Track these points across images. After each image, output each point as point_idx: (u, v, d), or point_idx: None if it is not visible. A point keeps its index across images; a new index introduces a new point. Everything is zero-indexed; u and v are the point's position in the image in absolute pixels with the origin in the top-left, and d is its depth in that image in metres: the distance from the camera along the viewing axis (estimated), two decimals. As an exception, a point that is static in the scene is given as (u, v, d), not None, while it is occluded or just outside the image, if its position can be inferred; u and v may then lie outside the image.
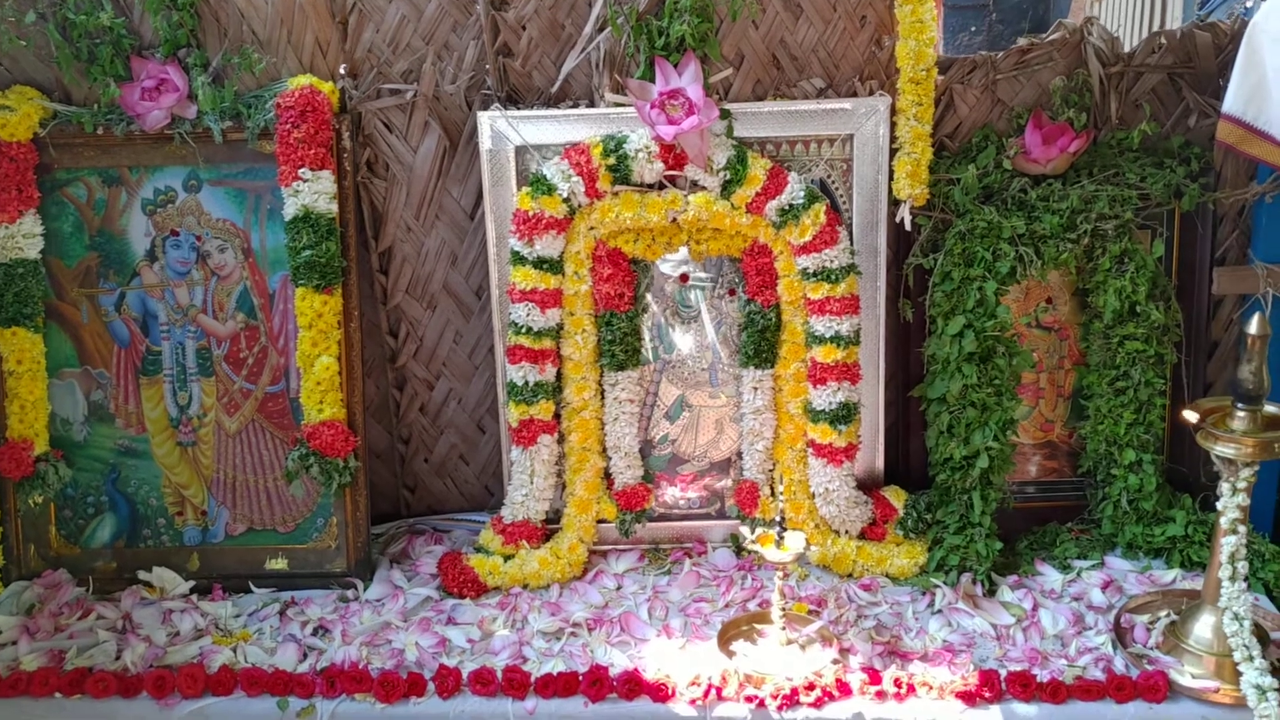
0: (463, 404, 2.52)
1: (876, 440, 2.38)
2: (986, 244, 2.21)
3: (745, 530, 2.03)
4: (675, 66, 2.13)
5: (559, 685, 1.98)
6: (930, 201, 2.26)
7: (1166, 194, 2.23)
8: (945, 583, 2.23)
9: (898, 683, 1.94)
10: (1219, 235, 2.32)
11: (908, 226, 2.22)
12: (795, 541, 2.00)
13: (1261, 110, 2.00)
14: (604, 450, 2.35)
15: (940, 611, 2.17)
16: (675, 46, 2.13)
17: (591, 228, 2.22)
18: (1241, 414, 1.88)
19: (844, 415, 2.25)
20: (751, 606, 2.21)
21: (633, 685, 1.96)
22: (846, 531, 2.33)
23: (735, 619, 2.13)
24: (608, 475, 2.37)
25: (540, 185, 2.18)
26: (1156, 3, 5.77)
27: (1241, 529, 1.90)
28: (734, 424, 2.39)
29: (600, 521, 2.38)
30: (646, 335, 2.34)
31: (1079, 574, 2.27)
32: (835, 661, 2.00)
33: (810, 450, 2.30)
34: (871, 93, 2.24)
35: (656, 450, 2.42)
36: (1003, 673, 1.95)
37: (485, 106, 2.27)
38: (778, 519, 2.00)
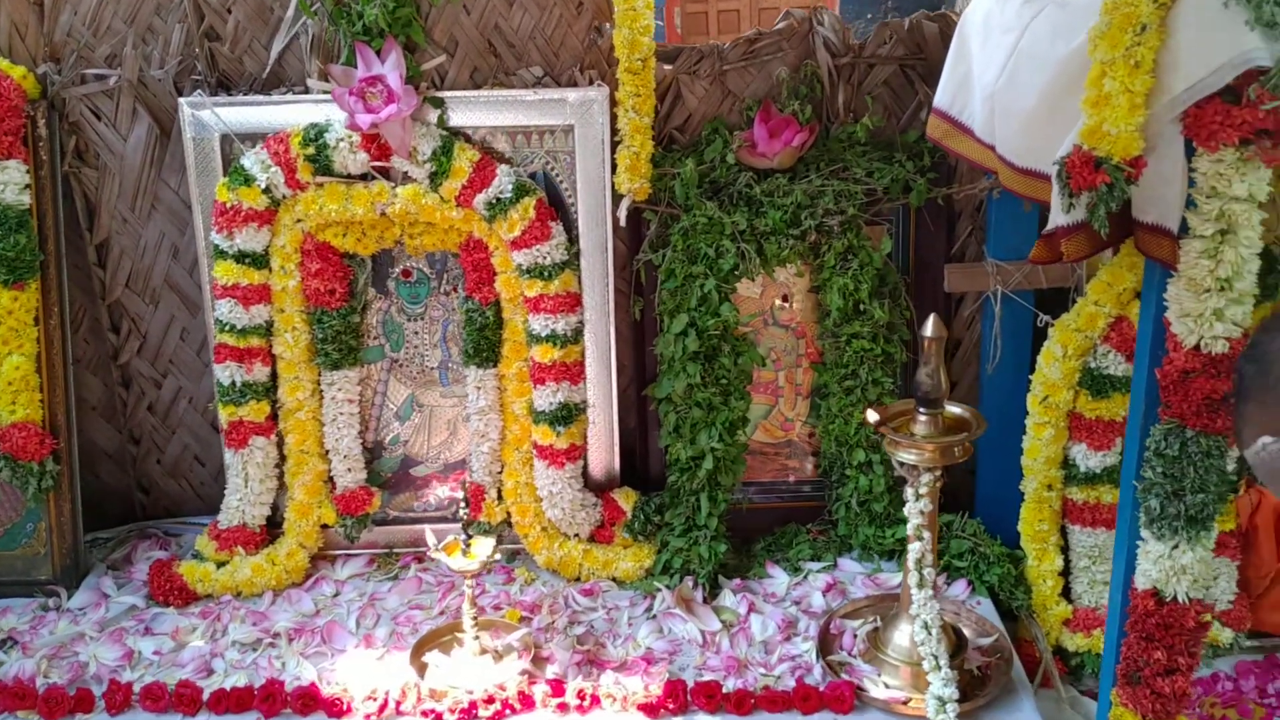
0: (194, 403, 2.42)
1: (612, 441, 2.31)
2: (709, 240, 2.14)
3: (431, 538, 1.95)
4: (379, 53, 2.04)
5: (231, 701, 1.89)
6: (657, 196, 2.19)
7: (896, 189, 2.17)
8: (668, 587, 2.17)
9: (581, 695, 1.88)
10: (956, 232, 2.27)
11: (622, 222, 2.15)
12: (483, 549, 1.93)
13: (966, 105, 1.95)
14: (326, 452, 2.26)
15: (655, 617, 2.11)
16: (376, 31, 2.04)
17: (298, 220, 2.13)
18: (923, 417, 1.83)
19: (565, 416, 2.18)
20: (467, 613, 2.14)
21: (308, 700, 1.88)
22: (576, 534, 2.26)
23: (438, 628, 2.06)
24: (332, 478, 2.29)
25: (238, 176, 2.08)
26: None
27: (927, 535, 1.85)
28: (467, 425, 2.31)
29: (326, 526, 2.29)
30: (377, 332, 2.27)
31: (806, 576, 2.22)
32: (524, 673, 1.93)
33: (535, 452, 2.23)
34: (591, 82, 2.17)
35: (388, 451, 2.33)
36: (694, 682, 1.90)
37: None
38: (463, 524, 1.92)
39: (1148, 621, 1.62)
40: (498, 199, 2.07)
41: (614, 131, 2.13)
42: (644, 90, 2.08)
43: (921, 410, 1.83)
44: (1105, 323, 2.02)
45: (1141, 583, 1.62)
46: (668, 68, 2.21)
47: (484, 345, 2.20)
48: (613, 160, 2.14)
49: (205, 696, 1.90)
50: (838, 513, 2.30)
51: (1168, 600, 1.60)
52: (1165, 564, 1.58)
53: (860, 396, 2.22)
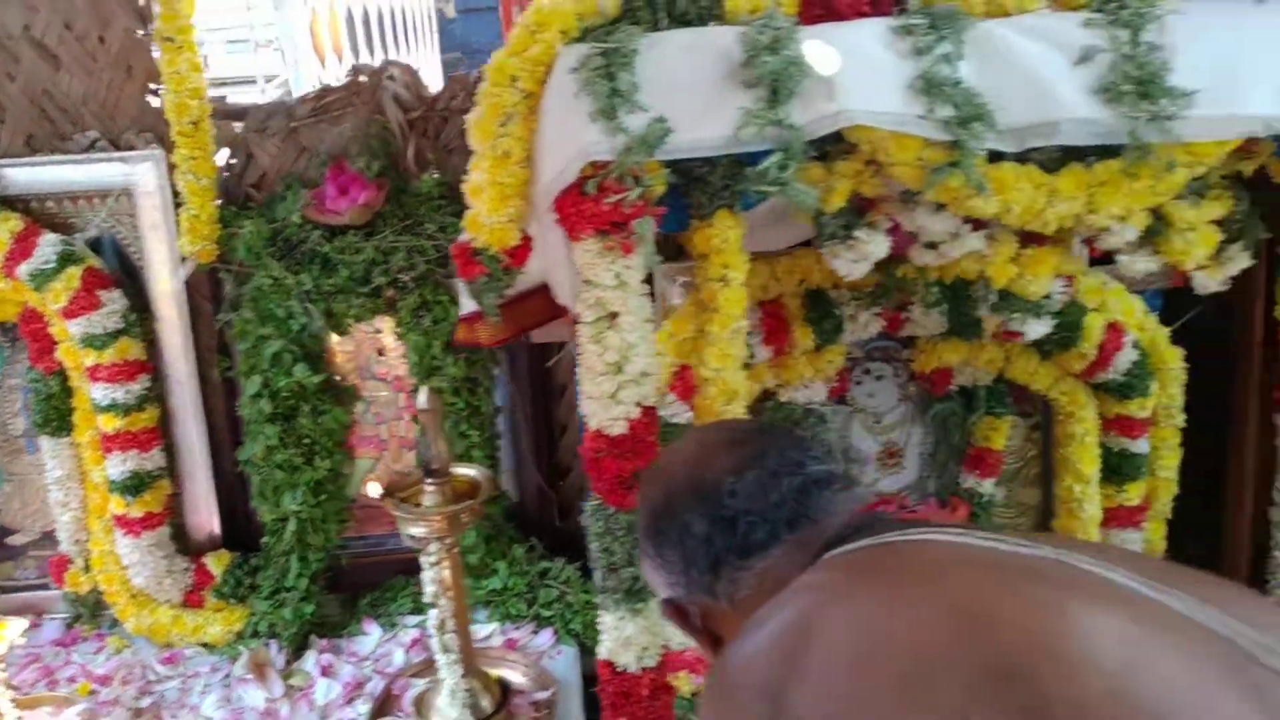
0: None
1: (210, 503, 2.29)
2: (277, 300, 2.12)
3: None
4: (-93, 123, 1.99)
5: None
6: (231, 256, 2.16)
7: (472, 243, 2.17)
8: (251, 650, 2.15)
9: (108, 776, 1.86)
10: (545, 281, 2.28)
11: (178, 284, 2.13)
12: (13, 630, 1.90)
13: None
14: (-97, 526, 2.21)
15: (229, 685, 2.10)
16: (-98, 102, 1.99)
17: None
18: (430, 488, 1.83)
19: (136, 485, 2.15)
20: (42, 687, 2.10)
21: None
22: (168, 600, 2.23)
23: (-10, 708, 2.02)
24: (-86, 552, 2.24)
25: None
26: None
27: (444, 601, 1.85)
28: (57, 492, 2.27)
29: (-85, 599, 2.25)
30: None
31: (397, 633, 2.22)
32: (63, 754, 1.91)
33: (114, 521, 2.19)
34: (149, 145, 2.13)
35: (-19, 521, 2.29)
36: (230, 757, 1.89)
37: None
38: None
39: (608, 690, 1.64)
40: (40, 270, 2.03)
41: (176, 193, 2.10)
42: (200, 152, 2.06)
43: (428, 481, 1.82)
44: (669, 371, 2.03)
45: (601, 652, 1.64)
46: (238, 126, 2.18)
47: (53, 415, 2.16)
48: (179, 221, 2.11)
49: None
50: (439, 565, 2.30)
51: (619, 670, 1.62)
52: (615, 634, 1.61)
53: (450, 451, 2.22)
